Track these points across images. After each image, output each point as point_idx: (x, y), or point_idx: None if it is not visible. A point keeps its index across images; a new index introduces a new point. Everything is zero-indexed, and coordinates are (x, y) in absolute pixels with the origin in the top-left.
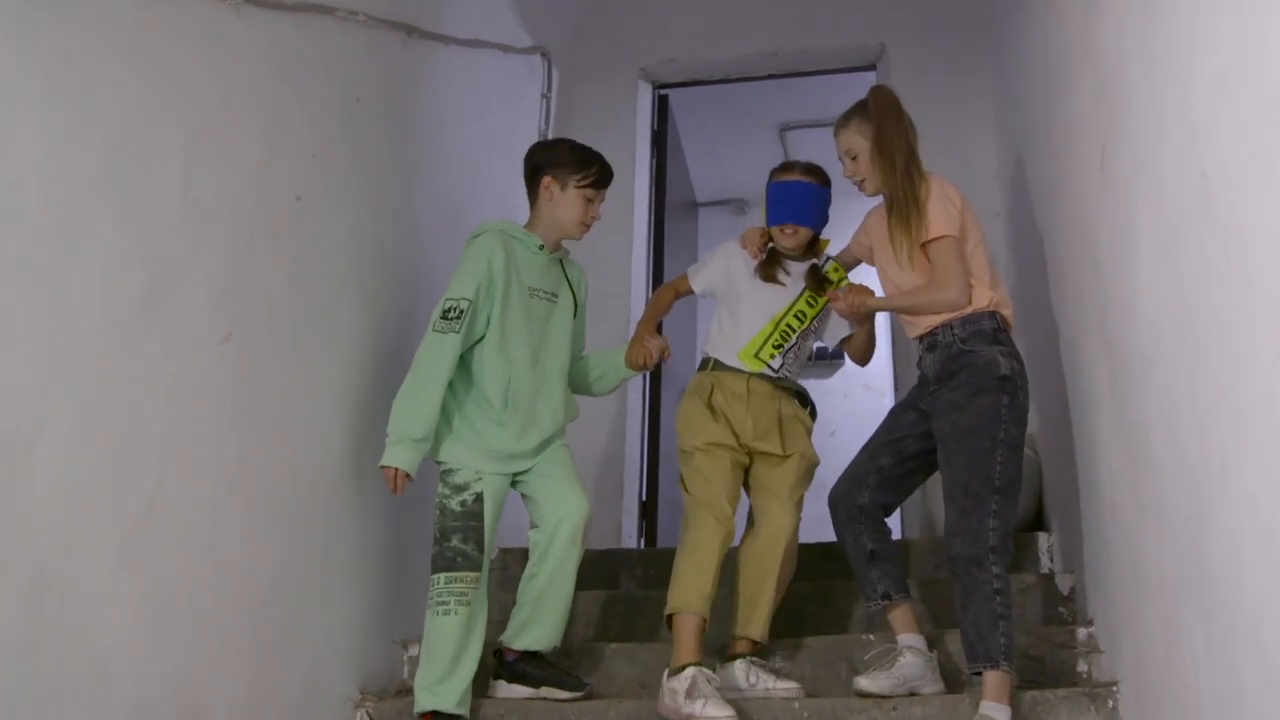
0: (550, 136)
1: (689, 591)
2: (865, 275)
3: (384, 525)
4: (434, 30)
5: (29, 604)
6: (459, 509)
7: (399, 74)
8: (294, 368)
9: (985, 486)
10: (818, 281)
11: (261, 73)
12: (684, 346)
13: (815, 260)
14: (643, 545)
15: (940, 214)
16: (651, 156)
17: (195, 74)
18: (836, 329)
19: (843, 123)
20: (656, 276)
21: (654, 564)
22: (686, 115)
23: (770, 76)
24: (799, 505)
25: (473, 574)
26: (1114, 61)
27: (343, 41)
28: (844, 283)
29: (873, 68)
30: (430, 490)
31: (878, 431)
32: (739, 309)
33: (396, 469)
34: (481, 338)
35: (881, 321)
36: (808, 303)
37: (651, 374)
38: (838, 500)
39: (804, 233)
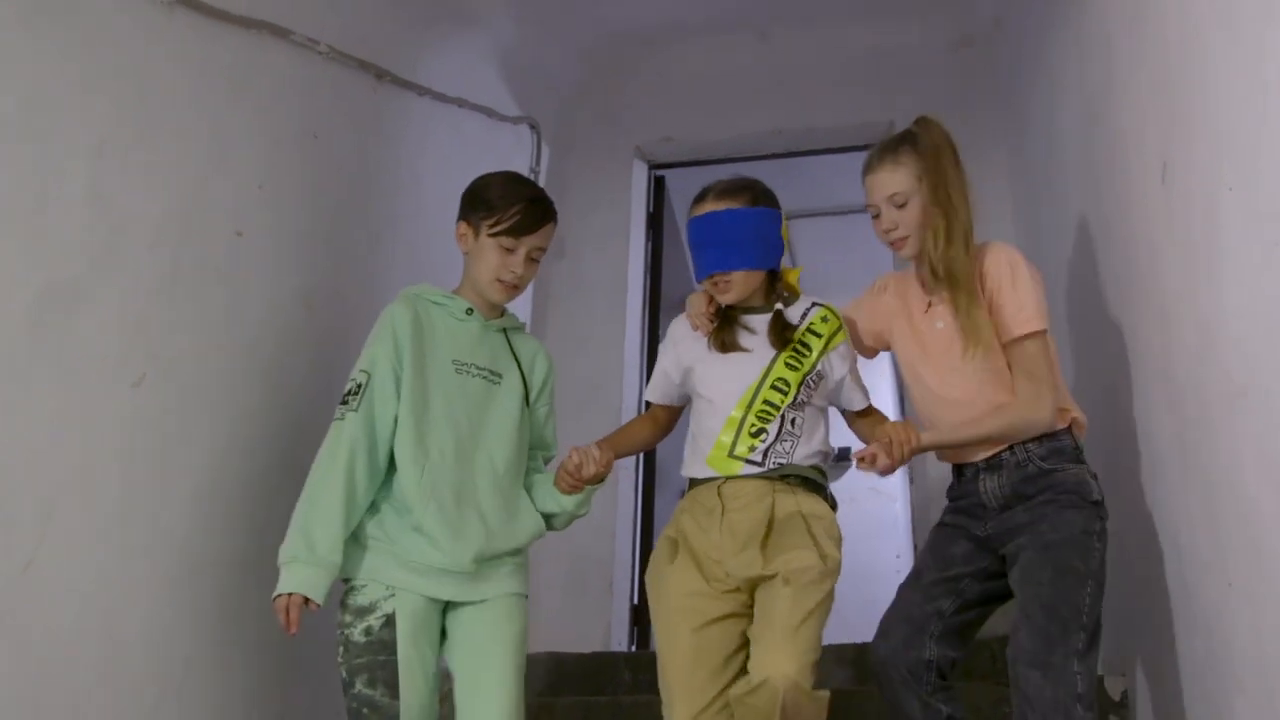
0: None
1: None
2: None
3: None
4: (408, 79)
5: None
6: (363, 640)
7: (367, 118)
8: (224, 423)
9: (1074, 618)
10: (781, 333)
11: (195, 84)
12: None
13: (779, 305)
14: (634, 649)
15: (1034, 300)
16: (647, 240)
17: (107, 67)
18: (850, 393)
19: (883, 158)
20: (650, 369)
21: (643, 668)
22: (685, 202)
23: (773, 156)
24: (808, 644)
25: None
26: (1179, 50)
27: (301, 70)
28: (838, 338)
29: None
30: None
31: (924, 565)
32: (702, 400)
33: (289, 595)
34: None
35: (890, 397)
36: (788, 365)
37: (645, 468)
38: (893, 655)
39: (740, 279)
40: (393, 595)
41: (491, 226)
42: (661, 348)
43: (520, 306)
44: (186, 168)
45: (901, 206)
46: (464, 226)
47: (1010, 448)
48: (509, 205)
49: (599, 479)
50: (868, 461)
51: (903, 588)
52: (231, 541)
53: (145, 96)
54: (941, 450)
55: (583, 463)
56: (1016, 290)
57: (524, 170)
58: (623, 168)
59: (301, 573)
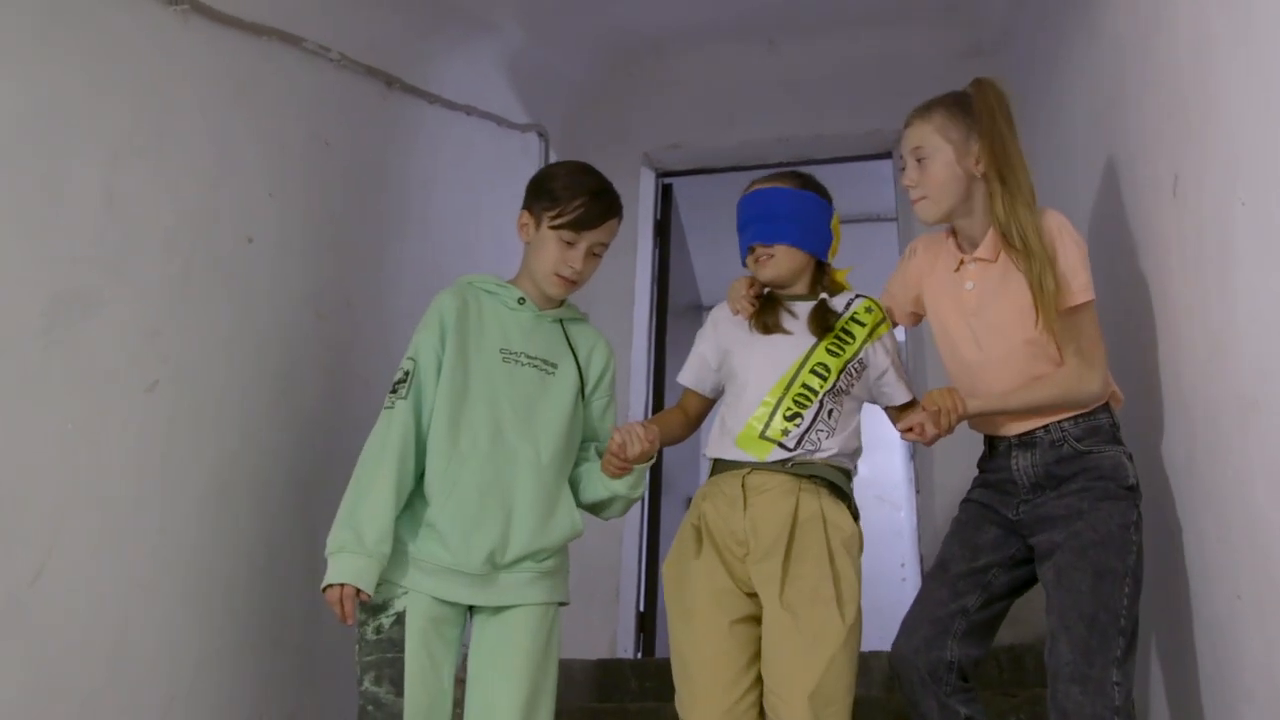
0: None
1: None
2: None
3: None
4: (418, 86)
5: None
6: (373, 637)
7: (377, 125)
8: (236, 429)
9: (1112, 624)
10: (822, 320)
11: (207, 91)
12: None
13: (824, 294)
14: (640, 656)
15: (1085, 269)
16: (654, 247)
17: (120, 75)
18: (892, 387)
19: (918, 111)
20: (658, 377)
21: (650, 676)
22: (691, 210)
23: (780, 165)
24: (832, 708)
25: None
26: (1191, 62)
27: (311, 77)
28: (882, 329)
29: (889, 155)
30: None
31: (949, 555)
32: (737, 382)
33: (342, 586)
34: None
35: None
36: (829, 351)
37: (650, 474)
38: (914, 655)
39: (783, 254)
40: (406, 593)
41: (554, 218)
42: (700, 334)
43: None
44: (198, 174)
45: (920, 161)
46: (526, 216)
47: (1045, 426)
48: (572, 198)
49: (646, 457)
50: (915, 431)
51: (928, 580)
52: (242, 545)
53: (158, 104)
54: (978, 420)
55: (626, 441)
56: (1068, 259)
57: None
58: (630, 175)
59: (352, 563)
